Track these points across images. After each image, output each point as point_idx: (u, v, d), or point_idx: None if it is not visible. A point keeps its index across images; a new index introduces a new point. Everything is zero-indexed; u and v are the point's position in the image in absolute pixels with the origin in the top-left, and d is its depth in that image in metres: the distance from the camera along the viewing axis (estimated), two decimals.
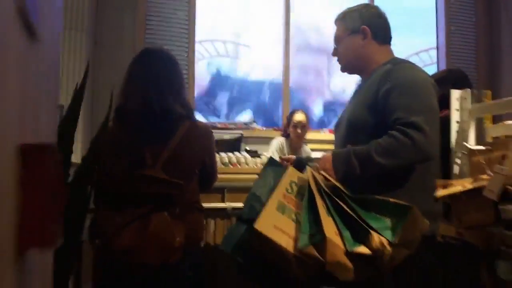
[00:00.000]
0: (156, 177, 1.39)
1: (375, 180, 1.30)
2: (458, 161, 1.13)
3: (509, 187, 0.89)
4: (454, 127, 1.15)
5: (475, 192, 0.98)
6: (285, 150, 3.04)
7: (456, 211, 1.04)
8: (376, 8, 1.67)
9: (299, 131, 2.97)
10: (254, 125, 3.76)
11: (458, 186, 1.03)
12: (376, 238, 1.08)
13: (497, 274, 0.97)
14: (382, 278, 1.20)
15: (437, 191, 1.09)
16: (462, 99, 1.19)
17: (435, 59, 4.56)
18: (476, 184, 0.98)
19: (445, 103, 1.68)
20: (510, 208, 0.94)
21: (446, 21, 4.48)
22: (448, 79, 2.01)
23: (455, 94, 1.20)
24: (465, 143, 1.15)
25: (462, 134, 1.17)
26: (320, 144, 3.35)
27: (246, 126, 3.70)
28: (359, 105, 1.48)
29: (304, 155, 2.91)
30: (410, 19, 4.49)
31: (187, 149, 1.46)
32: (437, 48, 4.53)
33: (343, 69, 1.66)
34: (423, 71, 1.51)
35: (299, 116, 3.00)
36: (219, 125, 3.62)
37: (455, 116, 1.22)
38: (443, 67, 4.40)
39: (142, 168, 1.40)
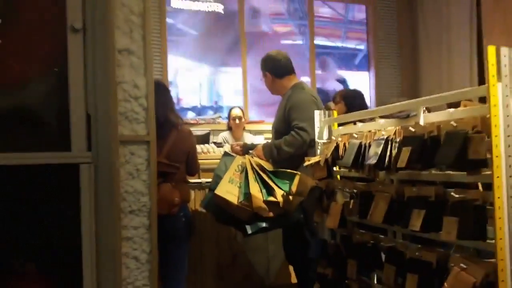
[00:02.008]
0: (163, 162, 2.35)
1: (287, 162, 2.37)
2: (319, 148, 2.23)
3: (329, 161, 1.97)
4: (316, 129, 2.26)
5: (318, 162, 2.08)
6: (230, 140, 3.71)
7: (313, 170, 2.14)
8: (275, 53, 2.71)
9: (237, 122, 3.80)
10: (220, 120, 4.70)
11: (315, 158, 2.14)
12: (278, 191, 2.14)
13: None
14: (289, 211, 2.26)
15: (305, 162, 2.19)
16: (321, 115, 2.29)
17: None
18: (322, 158, 2.06)
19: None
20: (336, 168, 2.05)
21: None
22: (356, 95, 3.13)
23: (318, 112, 2.30)
24: (317, 139, 2.25)
25: (320, 133, 2.27)
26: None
27: (213, 121, 4.66)
28: (278, 118, 2.55)
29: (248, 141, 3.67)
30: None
31: (179, 144, 2.40)
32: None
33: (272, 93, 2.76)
34: (309, 93, 2.59)
35: (235, 111, 3.87)
36: (191, 121, 4.55)
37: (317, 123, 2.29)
38: None
39: None
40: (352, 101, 3.03)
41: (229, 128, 3.94)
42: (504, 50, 1.33)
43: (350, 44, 5.52)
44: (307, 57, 5.14)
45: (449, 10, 4.89)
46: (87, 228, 1.24)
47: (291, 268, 2.90)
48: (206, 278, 2.96)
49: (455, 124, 1.38)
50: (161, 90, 2.45)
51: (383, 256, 1.75)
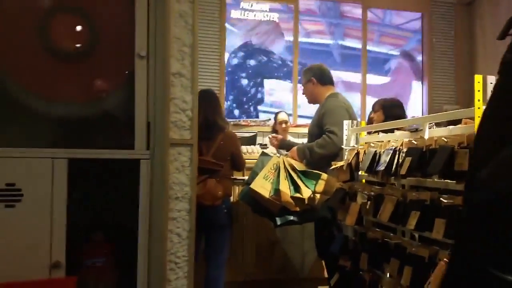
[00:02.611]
0: (209, 160, 2.74)
1: (319, 162, 2.66)
2: (346, 154, 2.49)
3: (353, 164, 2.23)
4: (344, 136, 2.53)
5: (342, 166, 2.35)
6: None
7: (338, 173, 2.41)
8: (320, 64, 3.02)
9: (283, 126, 4.06)
10: (270, 122, 5.03)
11: (340, 163, 2.40)
12: (304, 189, 2.45)
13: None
14: (315, 208, 2.55)
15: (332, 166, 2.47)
16: (349, 124, 2.54)
17: None
18: (345, 163, 2.33)
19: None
20: (358, 173, 2.30)
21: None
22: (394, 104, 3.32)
23: (347, 121, 2.56)
24: (344, 146, 2.51)
25: (348, 140, 2.52)
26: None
27: (263, 123, 5.00)
28: (313, 123, 2.85)
29: None
30: None
31: (225, 146, 2.77)
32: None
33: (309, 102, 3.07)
34: (342, 101, 2.86)
35: (282, 116, 4.15)
36: (242, 122, 4.93)
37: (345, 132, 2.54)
38: None
39: (201, 155, 2.74)
40: (390, 110, 3.23)
41: (275, 131, 4.20)
42: (490, 78, 1.54)
43: (383, 49, 5.58)
44: (334, 57, 5.31)
45: (508, 15, 4.84)
46: (143, 208, 1.64)
47: (324, 263, 3.19)
48: (245, 264, 3.32)
49: (446, 140, 1.61)
50: (211, 98, 2.85)
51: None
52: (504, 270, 0.60)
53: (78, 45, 1.79)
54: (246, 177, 3.24)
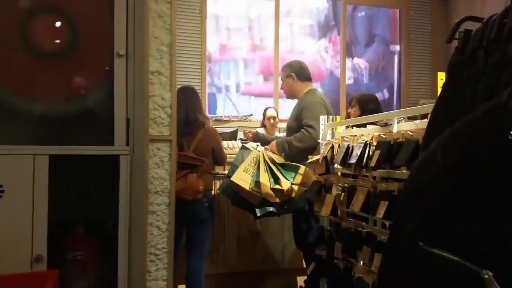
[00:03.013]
0: (190, 156, 2.80)
1: (297, 156, 2.75)
2: (322, 148, 2.58)
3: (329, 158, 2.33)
4: (321, 131, 2.62)
5: (318, 160, 2.44)
6: None
7: (314, 166, 2.50)
8: (299, 61, 3.12)
9: (271, 121, 4.16)
10: (251, 117, 5.09)
11: (316, 157, 2.49)
12: (283, 181, 2.53)
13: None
14: (294, 199, 2.65)
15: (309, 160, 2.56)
16: (325, 119, 2.64)
17: None
18: (321, 157, 2.42)
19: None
20: (334, 166, 2.39)
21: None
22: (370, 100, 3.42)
23: (323, 116, 2.65)
24: (320, 141, 2.60)
25: (324, 135, 2.61)
26: None
27: (244, 118, 5.07)
28: (292, 117, 2.94)
29: None
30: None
31: (205, 141, 2.83)
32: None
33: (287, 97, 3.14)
34: (319, 96, 2.95)
35: (271, 112, 4.23)
36: (224, 118, 4.98)
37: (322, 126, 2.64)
38: None
39: (182, 150, 2.80)
40: (365, 105, 3.33)
41: (263, 126, 4.30)
42: None
43: None
44: None
45: (483, 14, 5.00)
46: (123, 202, 1.69)
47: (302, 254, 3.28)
48: (227, 257, 3.40)
49: (411, 134, 1.70)
50: (191, 94, 2.91)
51: None
52: (431, 245, 0.69)
53: (58, 44, 1.83)
54: (227, 171, 3.32)
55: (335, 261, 2.28)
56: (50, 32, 1.84)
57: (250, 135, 3.15)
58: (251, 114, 5.02)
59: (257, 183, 2.57)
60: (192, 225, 2.80)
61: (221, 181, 3.31)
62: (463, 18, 0.91)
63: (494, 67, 0.77)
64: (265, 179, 2.57)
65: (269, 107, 4.40)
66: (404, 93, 5.58)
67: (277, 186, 2.57)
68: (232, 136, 4.13)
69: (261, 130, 4.17)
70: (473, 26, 0.96)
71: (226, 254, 3.39)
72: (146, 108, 1.73)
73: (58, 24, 1.85)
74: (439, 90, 1.65)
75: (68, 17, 1.79)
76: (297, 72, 3.04)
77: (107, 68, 1.83)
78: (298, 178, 2.60)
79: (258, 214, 2.65)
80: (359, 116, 3.08)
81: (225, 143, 3.71)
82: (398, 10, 5.61)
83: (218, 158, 2.93)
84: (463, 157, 0.65)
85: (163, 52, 1.80)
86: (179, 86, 3.60)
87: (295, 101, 3.10)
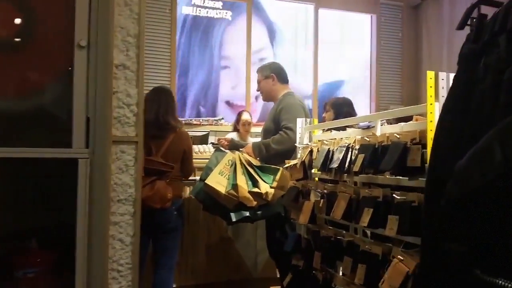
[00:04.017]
0: (158, 161, 2.60)
1: (274, 159, 2.61)
2: (299, 152, 2.46)
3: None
4: (298, 134, 2.51)
5: (295, 165, 2.32)
6: None
7: (291, 172, 2.38)
8: (278, 63, 3.01)
9: (246, 126, 4.00)
10: (222, 121, 4.93)
11: (294, 161, 2.37)
12: (262, 184, 2.39)
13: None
14: (271, 204, 2.51)
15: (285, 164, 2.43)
16: (303, 122, 2.52)
17: None
18: (299, 161, 2.30)
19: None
20: (312, 171, 2.27)
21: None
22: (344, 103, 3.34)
23: (301, 119, 2.54)
24: (297, 144, 2.48)
25: (301, 138, 2.50)
26: None
27: (216, 122, 4.90)
28: (269, 119, 2.80)
29: None
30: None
31: (176, 146, 2.64)
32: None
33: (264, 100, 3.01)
34: (298, 99, 2.84)
35: (246, 116, 4.05)
36: (194, 122, 4.80)
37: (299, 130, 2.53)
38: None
39: (150, 155, 2.60)
40: (340, 108, 3.26)
41: (236, 130, 4.11)
42: (442, 75, 1.55)
43: None
44: None
45: (452, 20, 5.07)
46: (81, 212, 1.49)
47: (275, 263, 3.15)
48: (196, 267, 3.22)
49: (398, 136, 1.60)
50: (164, 95, 2.72)
51: None
52: (491, 272, 0.56)
53: (10, 34, 1.62)
54: (196, 177, 3.14)
55: (314, 272, 2.15)
56: (2, 21, 1.63)
57: (226, 143, 2.98)
58: (222, 118, 4.87)
59: (235, 186, 2.41)
60: (160, 235, 2.60)
61: (191, 187, 3.13)
62: (477, 2, 0.81)
63: None
64: (243, 182, 2.43)
65: (244, 111, 4.22)
66: (374, 99, 5.58)
67: (256, 189, 2.42)
68: (203, 140, 3.95)
69: (233, 135, 4.02)
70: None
71: (195, 264, 3.21)
72: (109, 106, 1.55)
73: (11, 12, 1.64)
74: (428, 91, 1.56)
75: (22, 4, 1.58)
76: (277, 74, 2.92)
77: (66, 61, 1.63)
78: (278, 181, 2.47)
79: (234, 219, 2.49)
80: (334, 120, 2.99)
81: (195, 147, 3.53)
82: (370, 16, 5.63)
83: (187, 167, 2.73)
84: None
85: (130, 43, 1.62)
86: (146, 83, 3.41)
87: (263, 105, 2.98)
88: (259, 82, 2.98)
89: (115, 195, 1.58)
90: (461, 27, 0.80)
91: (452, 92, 0.80)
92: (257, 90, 3.02)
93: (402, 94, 5.60)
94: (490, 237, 0.58)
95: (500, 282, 0.54)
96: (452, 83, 0.80)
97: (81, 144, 1.55)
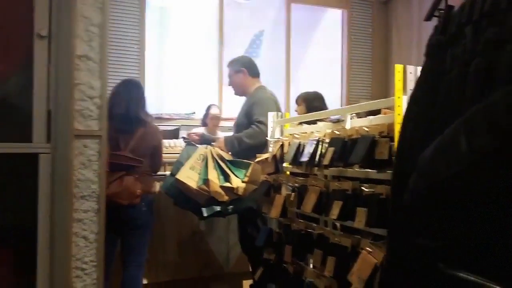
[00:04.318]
0: (126, 156, 2.53)
1: (246, 153, 2.59)
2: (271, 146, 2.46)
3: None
4: (269, 128, 2.50)
5: (266, 159, 2.31)
6: None
7: (262, 166, 2.36)
8: (249, 57, 2.98)
9: (215, 121, 3.92)
10: (194, 115, 4.86)
11: (265, 155, 2.36)
12: (234, 178, 2.37)
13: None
14: (242, 198, 2.49)
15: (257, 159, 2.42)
16: (274, 116, 2.51)
17: None
18: (270, 155, 2.29)
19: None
20: (283, 165, 2.27)
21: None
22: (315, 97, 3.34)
23: (272, 113, 2.52)
24: (269, 138, 2.47)
25: (273, 132, 2.49)
26: None
27: (187, 116, 4.82)
28: (241, 113, 2.78)
29: None
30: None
31: (145, 140, 2.57)
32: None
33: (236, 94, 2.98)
34: (270, 93, 2.83)
35: (214, 110, 3.96)
36: (165, 116, 4.71)
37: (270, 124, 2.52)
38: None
39: (118, 150, 2.52)
40: (311, 103, 3.27)
41: (204, 124, 4.03)
42: (410, 68, 1.56)
43: None
44: None
45: (421, 16, 5.16)
46: (43, 209, 1.43)
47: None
48: (167, 263, 3.16)
49: (366, 129, 1.61)
50: (134, 88, 2.64)
51: None
52: (454, 266, 0.55)
53: None
54: (166, 172, 3.08)
55: (285, 265, 2.15)
56: None
57: (196, 137, 2.92)
58: (194, 112, 4.80)
59: (206, 181, 2.38)
60: (128, 232, 2.54)
61: (161, 183, 3.06)
62: None
63: (489, 44, 0.67)
64: (214, 177, 2.39)
65: (212, 105, 4.13)
66: (345, 94, 5.63)
67: (227, 184, 2.40)
68: (174, 134, 3.88)
69: (203, 129, 3.87)
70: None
71: (166, 261, 3.16)
72: (71, 99, 1.49)
73: None
74: (396, 85, 1.56)
75: None
76: (248, 68, 2.89)
77: (25, 51, 1.56)
78: (248, 175, 2.45)
79: (205, 214, 2.46)
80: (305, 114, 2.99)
81: (166, 142, 3.46)
82: (341, 11, 5.66)
83: (156, 161, 2.67)
84: (501, 144, 0.52)
85: (93, 33, 1.55)
86: (114, 77, 3.30)
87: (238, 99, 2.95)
88: (230, 76, 2.94)
89: (78, 191, 1.52)
90: (428, 18, 0.80)
91: (419, 83, 0.80)
92: (229, 85, 2.99)
93: (372, 89, 5.67)
94: (455, 230, 0.58)
95: (462, 275, 0.54)
96: (420, 74, 0.80)
97: (42, 138, 1.49)
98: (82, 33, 1.55)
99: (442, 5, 0.79)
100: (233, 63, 2.93)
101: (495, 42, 0.65)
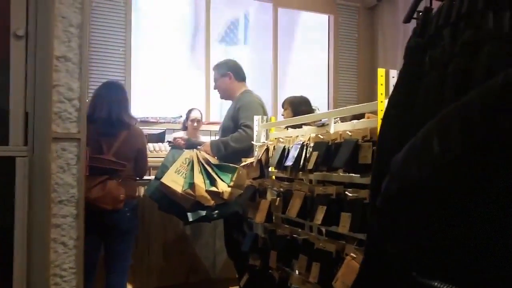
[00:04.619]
0: (109, 159, 2.48)
1: (232, 157, 2.57)
2: (256, 150, 2.43)
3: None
4: (255, 133, 2.49)
5: (252, 163, 2.29)
6: None
7: (247, 170, 2.35)
8: (234, 60, 2.96)
9: (195, 125, 3.82)
10: (180, 119, 4.81)
11: (250, 159, 2.34)
12: (220, 183, 2.34)
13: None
14: (228, 202, 2.46)
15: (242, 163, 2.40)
16: (260, 120, 2.50)
17: None
18: (255, 160, 2.27)
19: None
20: (269, 169, 2.24)
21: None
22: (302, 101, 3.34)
23: (258, 117, 2.51)
24: (254, 142, 2.45)
25: (258, 136, 2.47)
26: None
27: (173, 120, 4.78)
28: (227, 117, 2.76)
29: None
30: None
31: (129, 144, 2.52)
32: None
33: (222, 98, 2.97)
34: (256, 97, 2.81)
35: (195, 113, 3.88)
36: (152, 119, 4.66)
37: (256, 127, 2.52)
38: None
39: (101, 153, 2.48)
40: (297, 107, 3.26)
41: (184, 128, 3.96)
42: (393, 72, 1.56)
43: None
44: None
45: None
46: (20, 214, 1.39)
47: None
48: (152, 270, 3.11)
49: (350, 134, 1.60)
50: (116, 90, 2.59)
51: None
52: (427, 274, 0.53)
53: None
54: (151, 177, 3.04)
55: (270, 271, 2.13)
56: None
57: (182, 142, 2.89)
58: (180, 116, 4.75)
59: (191, 185, 2.35)
60: (112, 238, 2.49)
61: (145, 187, 3.02)
62: None
63: (466, 46, 0.66)
64: (200, 181, 2.36)
65: (193, 109, 4.03)
66: (332, 98, 5.65)
67: (213, 188, 2.37)
68: (159, 138, 3.84)
69: (182, 134, 3.84)
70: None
71: (151, 267, 3.11)
72: (49, 100, 1.45)
73: None
74: (379, 89, 1.56)
75: None
76: (234, 72, 2.87)
77: (2, 52, 1.51)
78: (235, 180, 2.43)
79: (190, 219, 2.43)
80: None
81: (151, 146, 3.42)
82: (327, 16, 5.69)
83: (141, 166, 2.62)
84: (474, 146, 0.51)
85: (72, 34, 1.52)
86: (97, 79, 3.25)
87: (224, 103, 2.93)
88: (216, 80, 2.93)
89: (56, 195, 1.48)
90: (407, 20, 0.80)
91: (397, 86, 0.79)
92: (214, 88, 2.97)
93: (358, 94, 5.70)
94: (427, 237, 0.56)
95: (436, 284, 0.53)
96: (398, 77, 0.79)
97: (19, 141, 1.44)
98: (61, 34, 1.52)
99: (421, 7, 0.79)
100: (219, 67, 2.92)
101: (472, 43, 0.64)
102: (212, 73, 3.07)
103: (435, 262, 0.55)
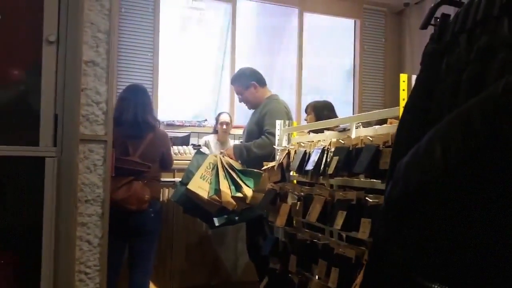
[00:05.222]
0: (134, 161, 2.55)
1: (254, 163, 2.59)
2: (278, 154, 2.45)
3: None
4: (277, 137, 2.50)
5: (273, 167, 2.30)
6: (211, 144, 3.78)
7: (269, 174, 2.35)
8: (250, 67, 2.99)
9: (224, 127, 3.87)
10: (206, 123, 4.88)
11: (272, 163, 2.35)
12: (245, 188, 2.37)
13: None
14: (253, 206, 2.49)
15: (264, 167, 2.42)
16: (282, 124, 2.51)
17: None
18: (276, 163, 2.28)
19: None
20: (290, 173, 2.25)
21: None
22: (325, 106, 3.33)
23: (280, 122, 2.52)
24: (276, 147, 2.46)
25: (280, 141, 2.48)
26: None
27: (198, 123, 4.85)
28: (252, 122, 2.79)
29: None
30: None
31: (154, 145, 2.59)
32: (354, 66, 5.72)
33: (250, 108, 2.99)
34: (282, 104, 2.83)
35: (224, 117, 3.96)
36: (177, 123, 4.74)
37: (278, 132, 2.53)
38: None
39: (127, 155, 2.55)
40: (320, 111, 3.26)
41: (215, 132, 4.03)
42: (415, 78, 1.54)
43: None
44: None
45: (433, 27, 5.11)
46: (48, 213, 1.45)
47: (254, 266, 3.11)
48: (174, 271, 3.16)
49: (371, 139, 1.59)
50: (141, 93, 2.67)
51: None
52: (428, 276, 0.54)
53: None
54: (175, 179, 3.10)
55: (290, 275, 2.13)
56: None
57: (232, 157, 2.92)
58: (206, 120, 4.81)
59: (217, 191, 2.39)
60: (136, 238, 2.55)
61: (169, 189, 3.08)
62: (439, 1, 0.80)
63: (481, 52, 0.66)
64: (226, 187, 2.40)
65: (223, 112, 4.15)
66: (357, 104, 5.60)
67: (239, 194, 2.41)
68: (184, 141, 3.90)
69: (212, 137, 3.94)
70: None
71: (173, 268, 3.15)
72: (77, 103, 1.51)
73: None
74: (401, 94, 1.55)
75: None
76: (257, 79, 2.90)
77: (34, 56, 1.59)
78: (260, 184, 2.45)
79: (217, 224, 2.47)
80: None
81: (175, 149, 3.48)
82: (353, 21, 5.65)
83: (167, 162, 2.70)
84: (475, 151, 0.51)
85: (100, 40, 1.58)
86: (124, 83, 3.33)
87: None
88: (240, 93, 2.94)
89: (82, 195, 1.53)
90: (424, 26, 0.80)
91: (413, 91, 0.79)
92: (240, 102, 2.99)
93: (384, 99, 5.63)
94: (430, 241, 0.56)
95: (435, 286, 0.53)
96: (415, 83, 0.79)
97: (49, 142, 1.51)
98: (90, 40, 1.58)
99: (438, 14, 0.79)
100: (239, 79, 2.93)
101: (487, 50, 0.64)
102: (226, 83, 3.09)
103: (438, 266, 0.55)
